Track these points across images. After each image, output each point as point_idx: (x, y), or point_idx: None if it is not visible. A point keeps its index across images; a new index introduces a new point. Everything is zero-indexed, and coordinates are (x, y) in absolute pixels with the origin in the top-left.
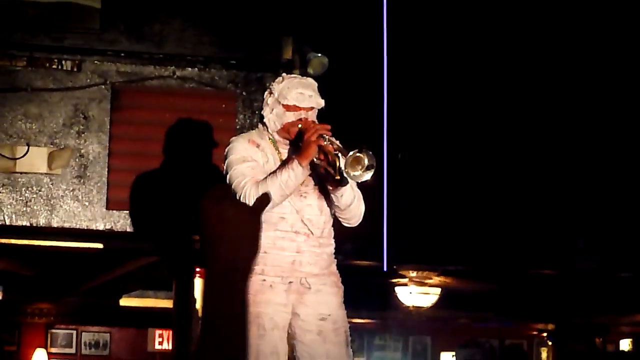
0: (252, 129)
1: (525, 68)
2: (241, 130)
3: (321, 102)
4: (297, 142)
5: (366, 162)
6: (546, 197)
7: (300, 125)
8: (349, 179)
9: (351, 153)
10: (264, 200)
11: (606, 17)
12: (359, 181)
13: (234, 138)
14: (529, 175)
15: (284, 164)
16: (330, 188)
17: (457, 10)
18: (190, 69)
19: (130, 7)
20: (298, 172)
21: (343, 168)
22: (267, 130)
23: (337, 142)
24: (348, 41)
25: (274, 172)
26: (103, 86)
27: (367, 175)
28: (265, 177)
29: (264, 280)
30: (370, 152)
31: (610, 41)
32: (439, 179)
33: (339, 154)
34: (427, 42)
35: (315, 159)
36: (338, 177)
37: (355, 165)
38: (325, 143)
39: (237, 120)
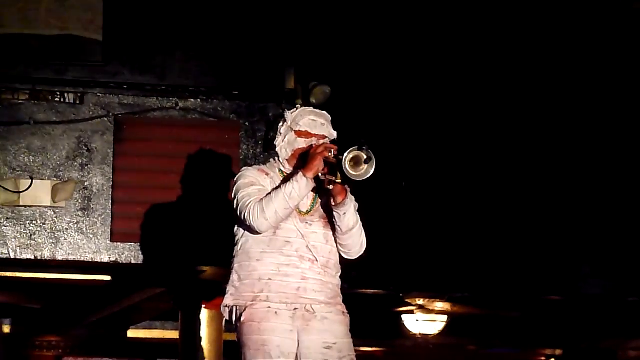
0: (256, 159)
1: (538, 98)
2: (244, 161)
3: (333, 133)
4: (302, 159)
5: (364, 155)
6: (551, 223)
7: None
8: (353, 180)
9: (348, 152)
10: (269, 215)
11: (606, 17)
12: (363, 178)
13: (244, 168)
14: (534, 201)
15: (288, 178)
16: (334, 204)
17: (465, 38)
18: (192, 100)
19: (132, 40)
20: (302, 184)
21: (345, 167)
22: (278, 161)
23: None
24: (351, 71)
25: (278, 186)
26: (106, 118)
27: (370, 170)
28: (270, 192)
29: (269, 307)
30: (365, 147)
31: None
32: (445, 206)
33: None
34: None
35: (320, 175)
36: (340, 180)
37: (355, 166)
38: (329, 155)
39: (240, 150)
